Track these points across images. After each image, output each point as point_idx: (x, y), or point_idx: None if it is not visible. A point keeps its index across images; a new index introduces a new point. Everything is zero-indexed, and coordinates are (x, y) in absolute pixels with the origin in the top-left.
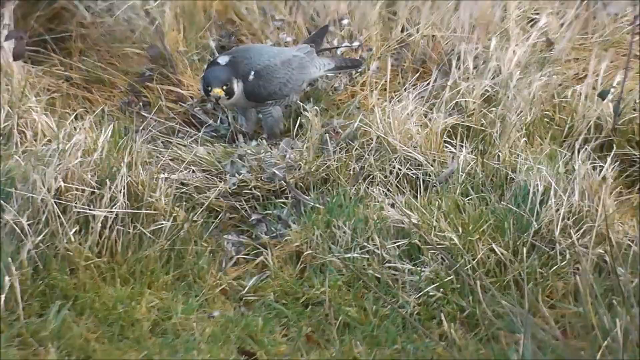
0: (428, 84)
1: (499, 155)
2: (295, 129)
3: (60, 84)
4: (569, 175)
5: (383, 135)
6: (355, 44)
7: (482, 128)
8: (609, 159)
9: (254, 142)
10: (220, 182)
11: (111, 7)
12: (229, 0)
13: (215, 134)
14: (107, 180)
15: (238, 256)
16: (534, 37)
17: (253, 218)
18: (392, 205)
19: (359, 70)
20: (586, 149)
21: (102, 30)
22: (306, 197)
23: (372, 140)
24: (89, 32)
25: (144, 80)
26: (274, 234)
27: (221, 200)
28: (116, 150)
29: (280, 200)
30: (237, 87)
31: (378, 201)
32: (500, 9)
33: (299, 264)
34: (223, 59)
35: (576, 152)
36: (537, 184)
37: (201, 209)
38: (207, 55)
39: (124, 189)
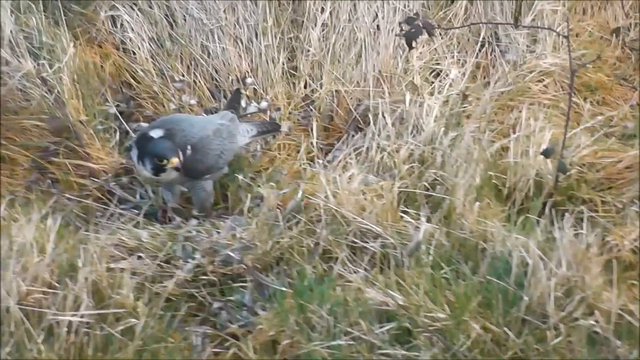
0: (346, 144)
1: (463, 224)
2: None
3: None
4: (549, 243)
5: (335, 208)
6: (264, 104)
7: (431, 193)
8: (566, 220)
9: (193, 221)
10: (173, 268)
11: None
12: (122, 62)
13: (136, 211)
14: (67, 279)
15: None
16: (445, 91)
17: (215, 306)
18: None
19: (279, 133)
20: (559, 213)
21: None
22: (268, 279)
23: (320, 212)
24: None
25: (48, 155)
26: (242, 323)
27: (176, 289)
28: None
29: (238, 284)
30: (170, 171)
31: (349, 281)
32: (402, 61)
33: (276, 354)
34: (156, 132)
35: (554, 218)
36: (523, 255)
37: (161, 301)
38: (110, 124)
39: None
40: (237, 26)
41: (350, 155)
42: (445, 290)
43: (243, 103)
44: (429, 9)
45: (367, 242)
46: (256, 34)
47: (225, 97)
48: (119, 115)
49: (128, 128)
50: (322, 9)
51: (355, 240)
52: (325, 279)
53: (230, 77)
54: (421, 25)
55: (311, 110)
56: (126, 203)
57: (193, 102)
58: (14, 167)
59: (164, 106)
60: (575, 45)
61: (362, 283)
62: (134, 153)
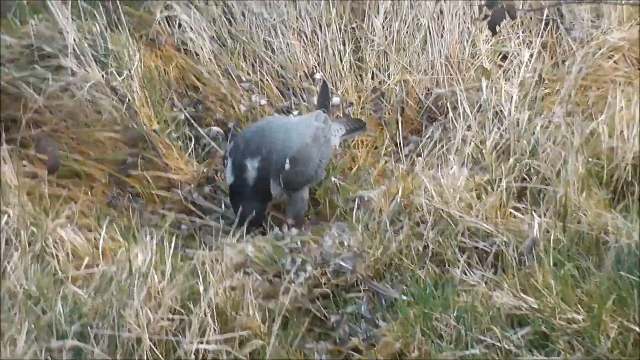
0: (429, 137)
1: (580, 217)
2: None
3: (35, 183)
4: None
5: (443, 208)
6: (336, 99)
7: (543, 186)
8: None
9: (293, 231)
10: (285, 283)
11: (67, 87)
12: (185, 64)
13: (225, 222)
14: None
15: None
16: (520, 75)
17: (333, 320)
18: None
19: (365, 131)
20: None
21: (62, 114)
22: (384, 288)
23: (424, 213)
24: (43, 118)
25: (127, 169)
26: (364, 336)
27: (291, 304)
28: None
29: (352, 294)
30: (275, 188)
31: (470, 284)
32: (469, 45)
33: None
34: (252, 163)
35: None
36: None
37: (279, 319)
38: (184, 130)
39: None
40: (299, 19)
41: (436, 149)
42: (575, 289)
43: (315, 100)
44: None
45: (478, 242)
46: (320, 27)
47: (294, 94)
48: (192, 120)
49: (202, 133)
50: None
51: (464, 240)
52: (447, 284)
53: (297, 73)
54: (504, 7)
55: (382, 102)
56: (211, 214)
57: (263, 102)
58: (92, 183)
59: (233, 108)
60: (627, 16)
61: (485, 286)
62: (229, 164)
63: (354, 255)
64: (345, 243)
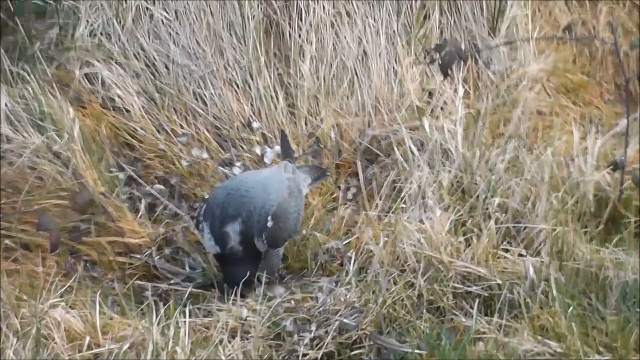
0: (370, 179)
1: (576, 254)
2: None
3: None
4: None
5: (432, 254)
6: (277, 147)
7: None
8: None
9: (280, 289)
10: (288, 345)
11: (3, 155)
12: (116, 121)
13: (188, 283)
14: None
15: None
16: (459, 111)
17: None
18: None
19: (326, 178)
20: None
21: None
22: (391, 342)
23: (411, 261)
24: None
25: (79, 236)
26: None
27: None
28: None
29: (356, 351)
30: (259, 245)
31: (482, 332)
32: (397, 85)
33: None
34: (233, 227)
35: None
36: None
37: None
38: (128, 191)
39: None
40: (228, 69)
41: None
42: (590, 328)
43: (258, 150)
44: (409, 27)
45: (471, 287)
46: (250, 75)
47: (234, 145)
48: (139, 180)
49: (152, 192)
50: (309, 41)
51: (457, 285)
52: (450, 333)
53: (234, 124)
54: (454, 51)
55: (319, 147)
56: (176, 276)
57: (205, 155)
58: (43, 254)
59: (174, 164)
60: (539, 48)
61: (498, 332)
62: (206, 229)
63: (356, 311)
64: (342, 299)
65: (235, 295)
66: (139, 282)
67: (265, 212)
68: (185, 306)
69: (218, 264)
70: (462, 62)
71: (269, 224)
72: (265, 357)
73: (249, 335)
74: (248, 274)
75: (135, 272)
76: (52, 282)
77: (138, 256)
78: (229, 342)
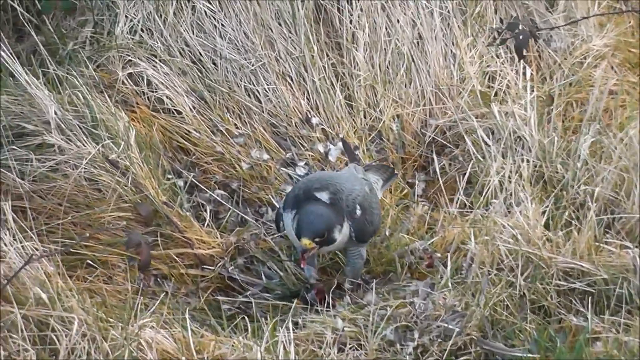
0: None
1: None
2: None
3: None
4: None
5: (530, 251)
6: (340, 145)
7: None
8: None
9: (370, 295)
10: (391, 355)
11: (56, 167)
12: (167, 124)
13: (267, 295)
14: None
15: None
16: (529, 93)
17: None
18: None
19: (396, 178)
20: None
21: (55, 198)
22: (502, 347)
23: (506, 258)
24: (32, 204)
25: (137, 247)
26: None
27: None
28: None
29: (461, 358)
30: (343, 230)
31: (596, 331)
32: (456, 69)
33: None
34: (323, 194)
35: None
36: None
37: None
38: (189, 199)
39: None
40: (280, 60)
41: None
42: None
43: (320, 147)
44: (464, 6)
45: (575, 283)
46: (304, 66)
47: (294, 144)
48: (201, 186)
49: (202, 201)
50: (361, 27)
51: (561, 282)
52: (560, 334)
53: (292, 120)
54: (528, 30)
55: (382, 141)
56: (253, 287)
57: (266, 156)
58: (108, 270)
59: (234, 167)
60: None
61: (615, 331)
62: (289, 216)
63: (458, 315)
64: (442, 303)
65: (321, 304)
66: (213, 295)
67: (353, 199)
68: (282, 320)
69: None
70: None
71: (358, 212)
72: None
73: (348, 346)
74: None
75: (209, 284)
76: (134, 302)
77: (210, 267)
78: (339, 356)
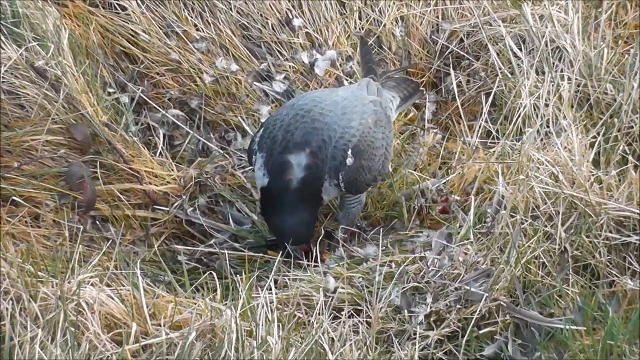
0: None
1: None
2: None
3: None
4: None
5: (574, 194)
6: (330, 53)
7: None
8: None
9: (370, 248)
10: (396, 324)
11: None
12: (109, 25)
13: (240, 245)
14: None
15: None
16: None
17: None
18: None
19: (420, 96)
20: None
21: None
22: (539, 316)
23: (542, 203)
24: None
25: (80, 182)
26: None
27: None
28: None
29: (486, 330)
30: (329, 192)
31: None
32: None
33: None
34: (298, 159)
35: None
36: None
37: None
38: (136, 119)
39: None
40: None
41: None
42: None
43: (303, 55)
44: None
45: (630, 237)
46: None
47: (270, 52)
48: (148, 101)
49: (152, 122)
50: None
51: (612, 235)
52: (610, 299)
53: (268, 22)
54: None
55: (381, 50)
56: (219, 234)
57: (234, 67)
58: (37, 209)
59: (194, 81)
60: None
61: None
62: (260, 161)
63: (482, 274)
64: (461, 259)
65: (307, 257)
66: (167, 243)
67: (344, 145)
68: (259, 278)
69: (261, 206)
70: None
71: (349, 161)
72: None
73: (344, 312)
74: (303, 227)
75: (162, 230)
76: (71, 252)
77: (164, 208)
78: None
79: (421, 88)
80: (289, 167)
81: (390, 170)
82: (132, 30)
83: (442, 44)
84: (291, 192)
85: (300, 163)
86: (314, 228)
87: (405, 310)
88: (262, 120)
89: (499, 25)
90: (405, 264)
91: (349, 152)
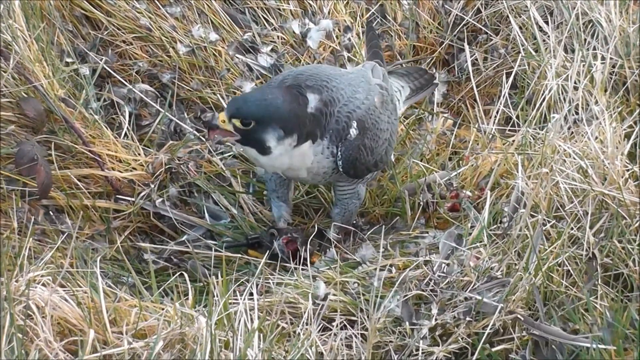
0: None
1: None
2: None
3: None
4: None
5: (605, 192)
6: (325, 23)
7: None
8: None
9: (367, 249)
10: (395, 337)
11: None
12: None
13: (215, 243)
14: None
15: None
16: None
17: None
18: None
19: (434, 88)
20: None
21: None
22: (562, 333)
23: (569, 201)
24: None
25: (31, 165)
26: None
27: None
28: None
29: (499, 346)
30: (321, 155)
31: None
32: None
33: None
34: (313, 97)
35: None
36: None
37: None
38: (98, 95)
39: None
40: None
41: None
42: None
43: (296, 27)
44: None
45: None
46: None
47: (255, 20)
48: (113, 74)
49: (116, 98)
50: None
51: None
52: None
53: None
54: None
55: (385, 21)
56: (192, 229)
57: (214, 36)
58: None
59: (166, 52)
60: None
61: None
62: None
63: (496, 284)
64: (472, 264)
65: (294, 259)
66: (132, 239)
67: (348, 113)
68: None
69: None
70: None
71: (352, 132)
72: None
73: (336, 323)
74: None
75: (127, 223)
76: (19, 246)
77: (129, 198)
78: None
79: (436, 81)
80: (304, 98)
81: (393, 160)
82: None
83: (456, 14)
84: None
85: (315, 98)
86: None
87: (407, 322)
88: None
89: None
90: (407, 269)
91: (354, 122)
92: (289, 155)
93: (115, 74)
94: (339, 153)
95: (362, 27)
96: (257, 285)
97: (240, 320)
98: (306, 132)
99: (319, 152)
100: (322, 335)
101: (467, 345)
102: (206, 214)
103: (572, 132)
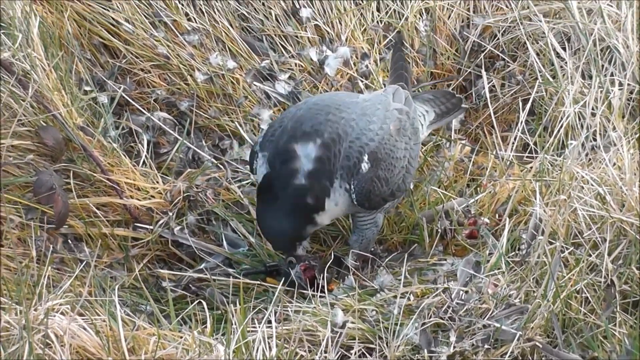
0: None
1: None
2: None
3: None
4: None
5: (623, 219)
6: (343, 50)
7: None
8: None
9: (384, 276)
10: None
11: None
12: (88, 12)
13: (234, 271)
14: None
15: None
16: None
17: None
18: None
19: (462, 113)
20: None
21: None
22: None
23: (586, 228)
24: None
25: (50, 194)
26: None
27: None
28: None
29: None
30: (338, 197)
31: None
32: None
33: None
34: (305, 149)
35: None
36: None
37: None
38: (116, 123)
39: None
40: None
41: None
42: None
43: (313, 52)
44: None
45: None
46: None
47: (273, 47)
48: (131, 102)
49: (135, 127)
50: None
51: None
52: None
53: (272, 12)
54: None
55: (403, 47)
56: (211, 257)
57: (232, 64)
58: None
59: (184, 80)
60: None
61: None
62: (261, 160)
63: (515, 311)
64: (490, 292)
65: (311, 286)
66: (151, 267)
67: (360, 147)
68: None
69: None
70: None
71: (364, 166)
72: None
73: (354, 350)
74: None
75: (145, 251)
76: (38, 275)
77: (148, 227)
78: None
79: (464, 105)
80: (294, 156)
81: (411, 187)
82: (113, 19)
83: (474, 41)
84: (293, 188)
85: (308, 154)
86: (299, 238)
87: (425, 350)
88: (263, 126)
89: (540, 21)
90: (426, 296)
91: (365, 157)
92: (334, 207)
93: (133, 102)
94: (352, 187)
95: (379, 54)
96: (275, 313)
97: (258, 349)
98: (317, 205)
99: (338, 190)
100: None
101: None
102: (224, 242)
103: (590, 159)
